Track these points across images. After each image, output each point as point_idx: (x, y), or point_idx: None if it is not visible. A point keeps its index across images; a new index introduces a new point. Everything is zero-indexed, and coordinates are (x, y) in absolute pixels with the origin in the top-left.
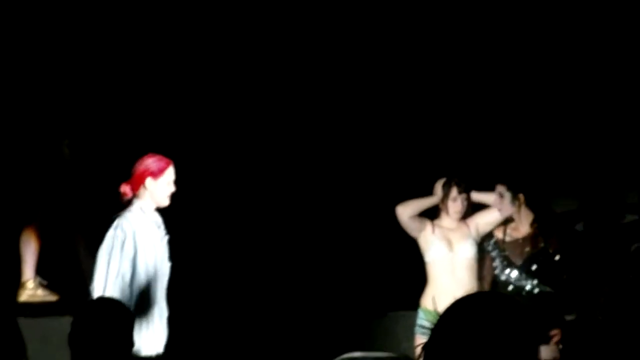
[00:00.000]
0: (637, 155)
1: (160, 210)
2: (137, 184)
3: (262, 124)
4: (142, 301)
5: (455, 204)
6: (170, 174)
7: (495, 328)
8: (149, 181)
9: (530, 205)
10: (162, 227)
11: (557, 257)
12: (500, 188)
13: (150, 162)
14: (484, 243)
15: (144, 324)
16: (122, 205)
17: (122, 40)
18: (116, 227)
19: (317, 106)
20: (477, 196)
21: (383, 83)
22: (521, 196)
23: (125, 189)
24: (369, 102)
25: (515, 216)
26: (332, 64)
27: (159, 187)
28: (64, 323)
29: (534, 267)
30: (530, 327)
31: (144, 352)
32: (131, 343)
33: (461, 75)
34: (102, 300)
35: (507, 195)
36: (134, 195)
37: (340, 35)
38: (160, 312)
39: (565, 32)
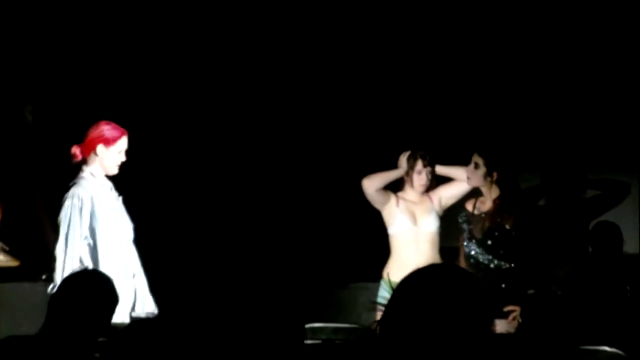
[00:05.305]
0: (601, 131)
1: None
2: (89, 149)
3: (226, 92)
4: (108, 263)
5: (420, 177)
6: (123, 143)
7: (446, 300)
8: (100, 148)
9: (498, 182)
10: (113, 189)
11: (513, 233)
12: (477, 158)
13: (105, 129)
14: (458, 215)
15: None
16: (76, 168)
17: (89, 4)
18: (72, 196)
19: (283, 75)
20: (442, 169)
21: (349, 54)
22: (495, 174)
23: (76, 150)
24: (337, 74)
25: (484, 190)
26: (300, 37)
27: (110, 155)
28: (25, 289)
29: (489, 242)
30: (482, 300)
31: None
32: (109, 321)
33: (429, 50)
34: (88, 272)
35: (482, 169)
36: (83, 160)
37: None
38: (126, 273)
39: (534, 10)
